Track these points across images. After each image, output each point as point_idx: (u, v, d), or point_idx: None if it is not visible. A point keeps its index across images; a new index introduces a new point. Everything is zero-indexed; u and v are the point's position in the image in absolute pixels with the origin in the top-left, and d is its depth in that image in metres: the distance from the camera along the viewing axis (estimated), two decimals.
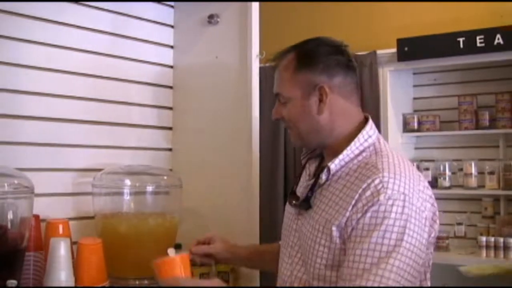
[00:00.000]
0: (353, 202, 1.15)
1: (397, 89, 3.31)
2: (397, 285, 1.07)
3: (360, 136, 1.26)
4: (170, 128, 2.08)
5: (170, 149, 2.07)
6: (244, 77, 1.86)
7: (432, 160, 3.36)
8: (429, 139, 3.42)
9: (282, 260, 1.34)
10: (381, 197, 1.12)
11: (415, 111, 3.45)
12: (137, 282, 1.65)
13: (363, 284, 1.07)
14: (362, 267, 1.09)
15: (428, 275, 1.25)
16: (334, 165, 1.23)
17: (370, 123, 1.30)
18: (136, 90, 1.96)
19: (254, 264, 1.65)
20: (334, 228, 1.17)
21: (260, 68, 1.89)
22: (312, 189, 1.26)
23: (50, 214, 1.63)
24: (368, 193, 1.14)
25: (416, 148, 3.49)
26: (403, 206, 1.12)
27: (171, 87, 2.08)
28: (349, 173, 1.21)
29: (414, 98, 3.49)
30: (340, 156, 1.24)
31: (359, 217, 1.13)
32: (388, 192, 1.12)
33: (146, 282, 1.65)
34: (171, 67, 2.09)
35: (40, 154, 1.68)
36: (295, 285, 1.24)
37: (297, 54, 1.30)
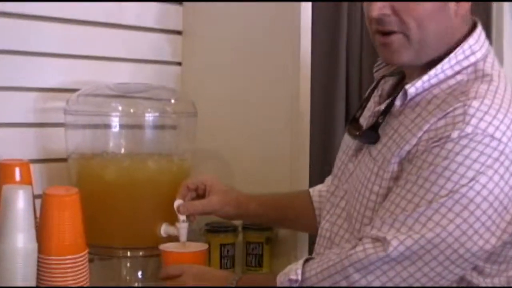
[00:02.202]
0: (420, 133, 1.03)
1: None
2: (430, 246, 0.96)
3: (458, 51, 1.08)
4: (180, 33, 1.75)
5: (179, 63, 1.76)
6: None
7: None
8: None
9: (324, 210, 1.22)
10: (454, 133, 0.99)
11: None
12: (128, 253, 1.40)
13: (385, 230, 1.00)
14: (392, 213, 1.02)
15: None
16: (414, 88, 1.08)
17: (478, 33, 1.12)
18: None
19: (274, 222, 1.44)
20: (393, 168, 1.06)
21: None
22: (385, 115, 1.12)
23: (3, 152, 1.41)
24: (441, 123, 1.01)
25: None
26: (482, 152, 0.97)
27: None
28: (431, 101, 1.06)
29: None
30: (425, 77, 1.07)
31: (420, 151, 1.02)
32: (467, 129, 0.98)
33: (141, 253, 1.39)
34: None
35: None
36: (334, 246, 1.11)
37: None
